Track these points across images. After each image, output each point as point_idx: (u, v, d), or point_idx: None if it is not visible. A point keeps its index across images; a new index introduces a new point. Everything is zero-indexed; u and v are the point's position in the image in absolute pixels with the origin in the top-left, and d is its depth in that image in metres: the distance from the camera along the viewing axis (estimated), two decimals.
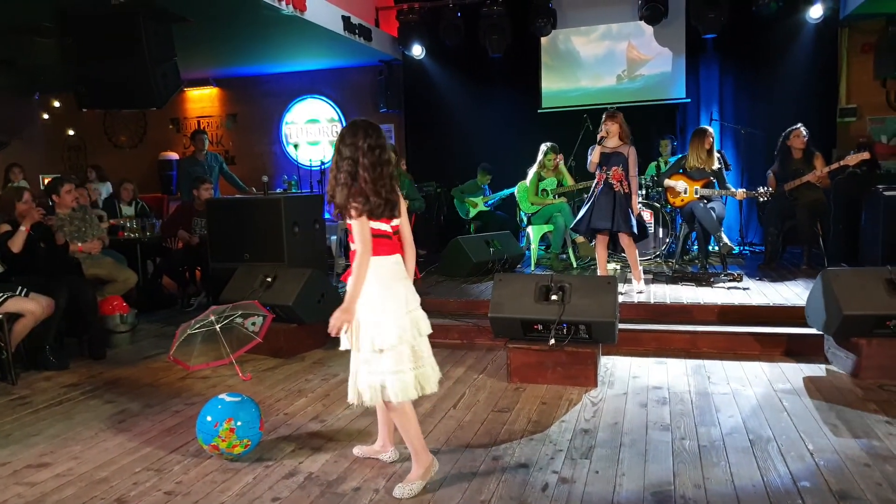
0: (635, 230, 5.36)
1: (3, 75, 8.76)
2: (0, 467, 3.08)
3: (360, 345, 2.65)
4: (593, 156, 5.36)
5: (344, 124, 9.60)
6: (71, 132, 10.91)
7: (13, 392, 4.17)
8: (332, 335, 2.66)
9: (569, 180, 6.88)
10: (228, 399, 3.03)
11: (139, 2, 5.27)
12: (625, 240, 5.43)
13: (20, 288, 4.43)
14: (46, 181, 7.93)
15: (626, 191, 5.33)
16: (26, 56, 7.63)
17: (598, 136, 5.38)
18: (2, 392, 4.17)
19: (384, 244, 2.68)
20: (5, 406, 3.93)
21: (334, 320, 2.60)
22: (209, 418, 2.97)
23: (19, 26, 6.35)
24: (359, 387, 2.70)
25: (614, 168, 5.31)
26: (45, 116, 10.74)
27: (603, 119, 5.39)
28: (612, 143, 5.33)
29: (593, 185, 5.51)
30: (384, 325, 2.62)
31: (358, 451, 3.08)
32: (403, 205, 2.77)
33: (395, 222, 2.71)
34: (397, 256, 2.74)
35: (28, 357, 4.63)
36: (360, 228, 2.59)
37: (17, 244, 4.66)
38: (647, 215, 6.85)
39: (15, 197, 4.91)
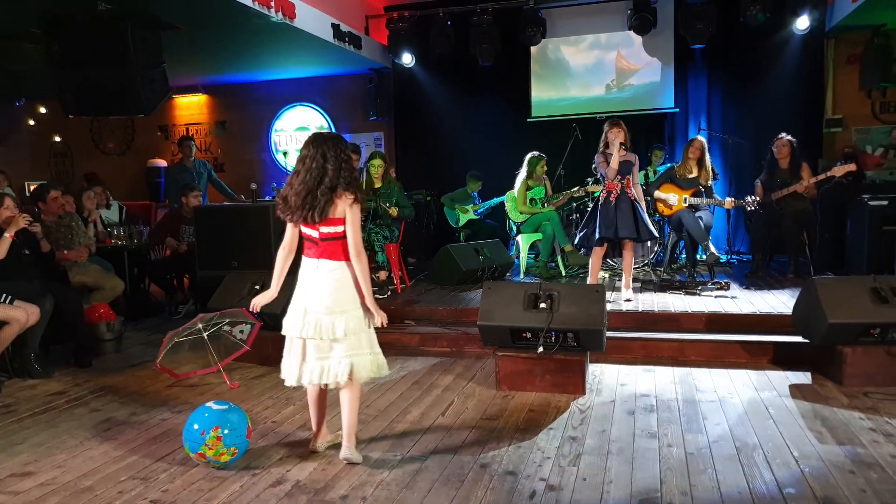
0: (656, 234, 5.48)
1: None
2: None
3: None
4: (613, 163, 5.31)
5: (334, 132, 9.65)
6: (57, 139, 10.82)
7: None
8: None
9: (546, 190, 6.94)
10: (215, 407, 3.01)
11: (127, 8, 5.26)
12: (628, 247, 5.47)
13: (5, 295, 4.39)
14: (32, 188, 7.88)
15: (634, 197, 5.41)
16: (12, 61, 7.61)
17: (602, 146, 5.40)
18: None
19: (307, 246, 3.01)
20: None
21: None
22: (196, 426, 2.95)
23: (6, 32, 6.32)
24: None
25: (628, 177, 5.37)
26: (31, 123, 10.66)
27: (608, 128, 5.39)
28: (622, 151, 5.35)
29: (605, 194, 5.43)
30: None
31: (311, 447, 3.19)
32: (352, 213, 2.93)
33: (325, 229, 2.93)
34: (316, 261, 2.98)
35: (13, 365, 4.58)
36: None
37: (0, 251, 4.62)
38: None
39: None
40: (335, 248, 2.96)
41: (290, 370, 3.04)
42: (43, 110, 10.42)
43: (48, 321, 4.63)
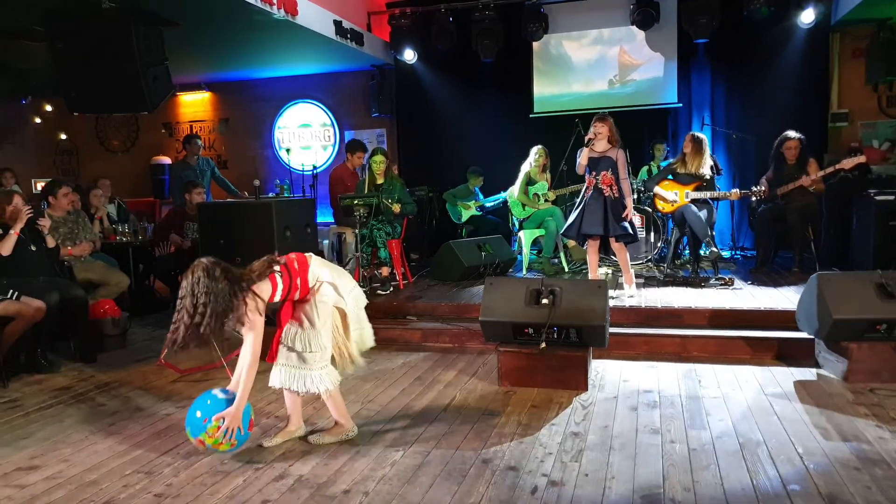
0: (630, 232, 5.35)
1: None
2: None
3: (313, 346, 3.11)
4: (581, 158, 5.33)
5: (336, 129, 9.67)
6: (63, 136, 10.85)
7: (4, 395, 4.17)
8: None
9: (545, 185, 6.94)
10: (220, 396, 3.02)
11: (129, 6, 5.27)
12: (616, 244, 5.43)
13: (11, 291, 4.43)
14: (39, 185, 7.92)
15: (617, 195, 5.31)
16: (17, 59, 7.64)
17: (587, 139, 5.34)
18: None
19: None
20: None
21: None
22: (199, 413, 2.95)
23: (10, 30, 6.34)
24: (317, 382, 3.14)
25: (603, 172, 5.29)
26: (37, 120, 10.70)
27: (592, 122, 5.37)
28: (601, 146, 5.29)
29: (582, 189, 5.49)
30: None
31: (272, 441, 3.24)
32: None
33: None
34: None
35: (19, 360, 4.62)
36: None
37: (6, 247, 4.65)
38: (638, 220, 6.86)
39: (5, 201, 4.90)
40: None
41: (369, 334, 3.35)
42: (49, 108, 10.46)
43: (54, 317, 4.66)
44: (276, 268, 3.02)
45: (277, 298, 3.01)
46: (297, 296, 3.08)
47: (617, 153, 5.29)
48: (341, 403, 3.29)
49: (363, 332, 3.28)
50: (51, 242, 5.14)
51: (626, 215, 5.31)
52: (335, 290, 3.14)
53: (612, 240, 5.39)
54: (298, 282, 3.06)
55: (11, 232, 4.69)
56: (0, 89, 9.63)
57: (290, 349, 3.13)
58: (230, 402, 2.99)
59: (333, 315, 3.16)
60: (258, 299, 2.94)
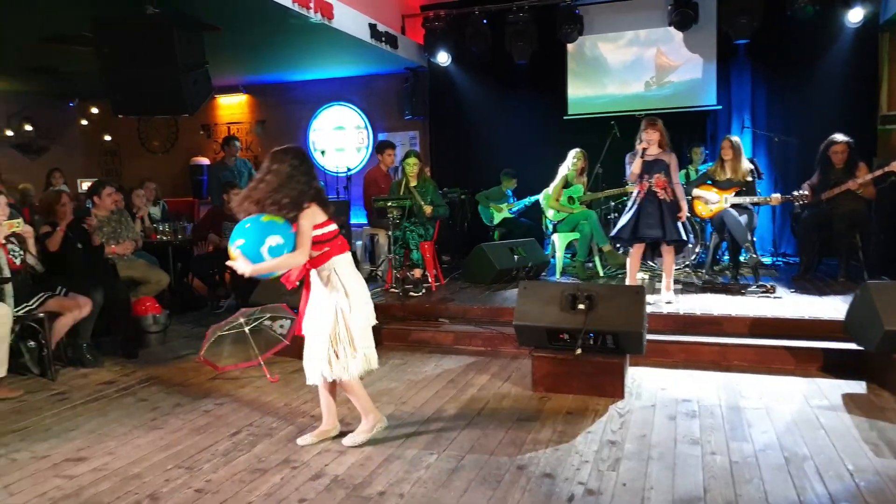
0: (685, 237, 5.31)
1: (46, 82, 9.06)
2: (41, 460, 3.19)
3: (342, 332, 3.08)
4: (634, 167, 5.25)
5: (370, 131, 9.74)
6: (107, 137, 11.15)
7: (53, 388, 4.32)
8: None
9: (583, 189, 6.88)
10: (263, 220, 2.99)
11: (172, 11, 5.38)
12: (667, 247, 5.36)
13: (59, 288, 4.60)
14: (84, 185, 8.14)
15: (671, 198, 5.23)
16: (66, 64, 7.88)
17: (638, 146, 5.27)
18: (43, 387, 4.33)
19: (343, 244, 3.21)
20: (46, 401, 4.07)
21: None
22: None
23: (60, 35, 6.54)
24: (335, 368, 3.09)
25: (657, 175, 5.22)
26: (84, 122, 11.01)
27: (643, 127, 5.27)
28: (653, 150, 5.23)
29: (634, 194, 5.38)
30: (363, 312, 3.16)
31: (305, 440, 3.28)
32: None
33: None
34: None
35: (66, 354, 4.78)
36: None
37: (53, 243, 4.85)
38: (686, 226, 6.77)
39: (54, 200, 5.07)
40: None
41: (373, 356, 3.21)
42: (94, 110, 10.75)
43: (99, 313, 4.80)
44: (333, 227, 3.12)
45: (318, 233, 3.05)
46: (315, 254, 3.08)
47: (669, 157, 5.25)
48: (363, 395, 3.26)
49: (368, 353, 3.19)
50: (96, 241, 5.29)
51: (682, 217, 5.27)
52: (343, 292, 3.10)
53: (664, 244, 5.31)
54: (327, 248, 3.10)
55: (59, 229, 4.85)
56: (50, 92, 9.99)
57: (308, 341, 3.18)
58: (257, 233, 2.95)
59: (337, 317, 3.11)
60: (315, 215, 3.04)
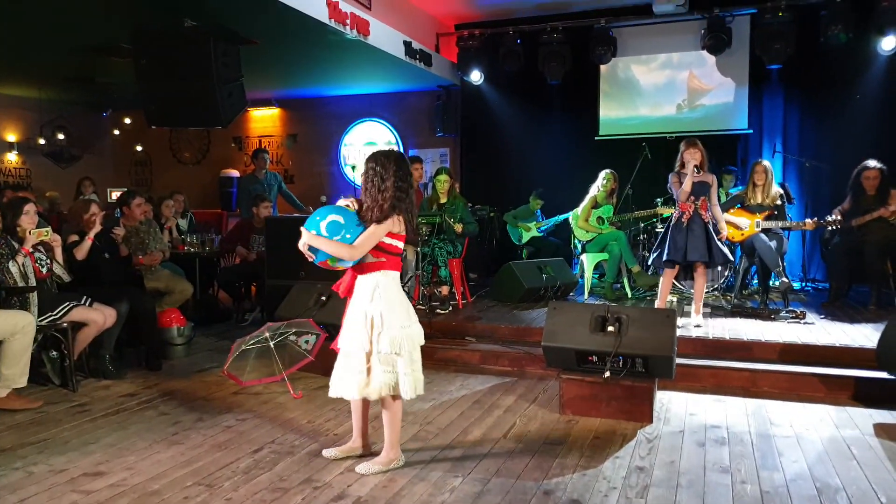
0: (731, 258, 5.33)
1: (81, 92, 9.25)
2: (58, 474, 3.15)
3: (380, 346, 2.99)
4: (685, 185, 5.20)
5: (401, 147, 9.78)
6: (139, 148, 11.33)
7: (73, 399, 4.30)
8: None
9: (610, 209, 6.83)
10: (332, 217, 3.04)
11: (210, 25, 5.47)
12: (699, 270, 5.31)
13: (84, 297, 4.58)
14: (114, 195, 8.26)
15: (712, 220, 5.27)
16: (102, 74, 8.04)
17: (678, 165, 5.27)
18: (63, 398, 4.30)
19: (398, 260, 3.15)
20: (66, 412, 4.04)
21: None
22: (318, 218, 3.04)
23: (98, 46, 6.67)
24: (372, 384, 3.01)
25: (703, 198, 5.22)
26: (116, 132, 11.22)
27: (684, 147, 5.25)
28: (700, 172, 5.22)
29: (677, 215, 5.32)
30: (405, 330, 3.05)
31: (331, 452, 3.28)
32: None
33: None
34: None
35: (88, 365, 4.77)
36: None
37: (81, 252, 4.86)
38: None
39: (83, 209, 5.11)
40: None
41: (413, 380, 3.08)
42: (127, 121, 10.93)
43: (124, 324, 4.81)
44: (400, 243, 3.10)
45: (387, 241, 3.04)
46: (369, 260, 3.05)
47: (712, 178, 5.27)
48: (397, 424, 3.15)
49: (415, 377, 3.06)
50: (124, 251, 5.33)
51: (723, 238, 5.30)
52: (383, 304, 3.03)
53: (701, 265, 5.27)
54: (384, 259, 3.06)
55: (87, 238, 4.88)
56: (85, 102, 10.19)
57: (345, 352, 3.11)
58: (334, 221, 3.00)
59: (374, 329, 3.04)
60: (394, 226, 3.03)
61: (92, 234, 4.91)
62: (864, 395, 4.21)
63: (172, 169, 11.17)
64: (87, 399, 4.31)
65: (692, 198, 5.21)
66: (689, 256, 5.21)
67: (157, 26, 5.58)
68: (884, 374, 4.09)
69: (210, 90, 5.42)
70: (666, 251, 5.32)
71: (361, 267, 3.07)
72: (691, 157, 5.17)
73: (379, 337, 2.99)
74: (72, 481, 3.07)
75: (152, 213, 6.41)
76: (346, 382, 3.07)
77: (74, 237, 4.95)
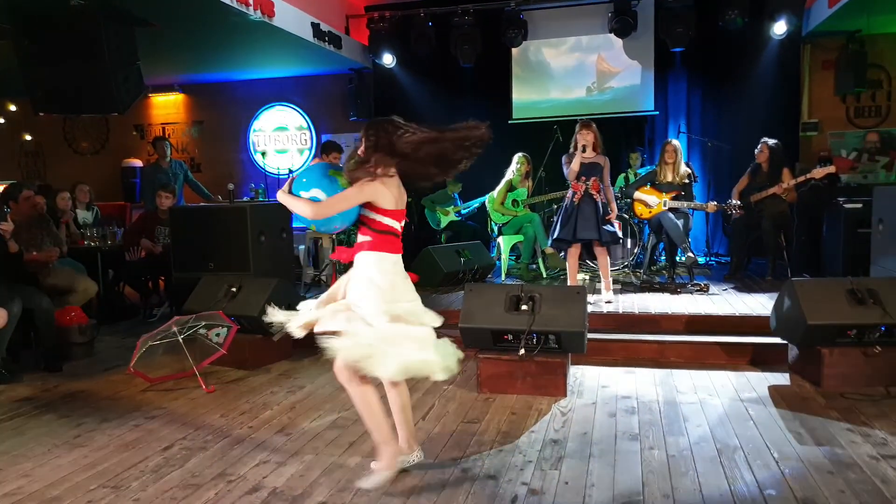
0: (618, 235, 5.47)
1: None
2: None
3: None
4: (574, 164, 5.33)
5: (313, 132, 9.57)
6: (28, 137, 10.57)
7: None
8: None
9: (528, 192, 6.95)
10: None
11: (99, 4, 5.13)
12: (599, 248, 5.46)
13: None
14: (2, 188, 7.67)
15: (603, 200, 5.40)
16: None
17: (572, 147, 5.38)
18: None
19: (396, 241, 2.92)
20: None
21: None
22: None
23: None
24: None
25: (593, 179, 5.35)
26: (1, 121, 10.41)
27: (578, 129, 5.37)
28: (589, 153, 5.35)
29: (569, 196, 5.47)
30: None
31: (375, 469, 2.89)
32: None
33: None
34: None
35: None
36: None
37: None
38: (616, 226, 6.91)
39: None
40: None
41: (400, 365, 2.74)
42: (13, 108, 10.18)
43: (16, 325, 4.50)
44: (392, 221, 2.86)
45: (375, 217, 2.79)
46: (362, 239, 2.82)
47: (604, 160, 5.39)
48: (364, 415, 2.83)
49: (394, 356, 2.66)
50: (13, 248, 4.97)
51: (612, 218, 5.43)
52: (371, 284, 2.76)
53: (596, 244, 5.40)
54: (371, 238, 2.81)
55: None
56: None
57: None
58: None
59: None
60: (376, 194, 2.77)
61: None
62: (761, 359, 4.51)
63: (69, 159, 10.50)
64: None
65: (583, 178, 5.35)
66: (578, 235, 5.36)
67: (41, 6, 5.18)
68: (777, 340, 4.37)
69: (103, 74, 5.10)
70: (556, 231, 5.50)
71: (357, 246, 2.83)
72: (582, 139, 5.31)
73: (351, 317, 2.71)
74: None
75: (45, 207, 6.00)
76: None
77: None
